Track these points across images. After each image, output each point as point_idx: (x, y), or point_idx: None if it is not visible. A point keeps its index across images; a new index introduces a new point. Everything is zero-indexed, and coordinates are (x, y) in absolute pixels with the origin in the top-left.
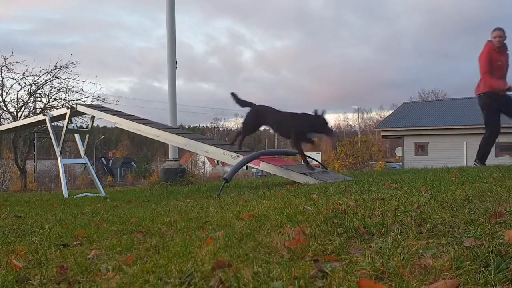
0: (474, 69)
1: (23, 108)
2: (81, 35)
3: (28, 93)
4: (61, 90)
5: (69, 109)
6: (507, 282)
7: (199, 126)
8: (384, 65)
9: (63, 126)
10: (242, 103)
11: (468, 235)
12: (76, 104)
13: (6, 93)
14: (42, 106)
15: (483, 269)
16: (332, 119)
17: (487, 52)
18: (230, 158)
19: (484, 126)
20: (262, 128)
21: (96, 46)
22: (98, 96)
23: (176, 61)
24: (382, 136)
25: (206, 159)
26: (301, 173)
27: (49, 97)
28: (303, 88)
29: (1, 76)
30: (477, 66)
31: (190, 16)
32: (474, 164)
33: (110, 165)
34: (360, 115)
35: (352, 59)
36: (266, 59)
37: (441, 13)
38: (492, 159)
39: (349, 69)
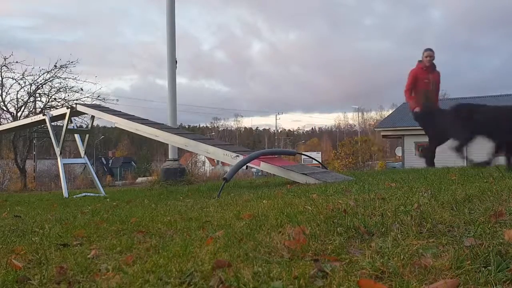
0: (501, 63)
1: (23, 108)
2: (83, 30)
3: (27, 93)
4: (61, 90)
5: (69, 109)
6: (507, 282)
7: (199, 126)
8: (405, 60)
9: (63, 126)
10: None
11: (468, 235)
12: (76, 104)
13: (6, 93)
14: (42, 106)
15: (483, 268)
16: (333, 118)
17: (415, 71)
18: (230, 158)
19: None
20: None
21: (97, 42)
22: (98, 96)
23: (176, 61)
24: (382, 136)
25: (206, 159)
26: (301, 173)
27: (49, 97)
28: (312, 85)
29: (1, 76)
30: (505, 59)
31: (199, 5)
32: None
33: (110, 165)
34: (360, 114)
35: (371, 53)
36: (278, 53)
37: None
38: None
39: (367, 64)
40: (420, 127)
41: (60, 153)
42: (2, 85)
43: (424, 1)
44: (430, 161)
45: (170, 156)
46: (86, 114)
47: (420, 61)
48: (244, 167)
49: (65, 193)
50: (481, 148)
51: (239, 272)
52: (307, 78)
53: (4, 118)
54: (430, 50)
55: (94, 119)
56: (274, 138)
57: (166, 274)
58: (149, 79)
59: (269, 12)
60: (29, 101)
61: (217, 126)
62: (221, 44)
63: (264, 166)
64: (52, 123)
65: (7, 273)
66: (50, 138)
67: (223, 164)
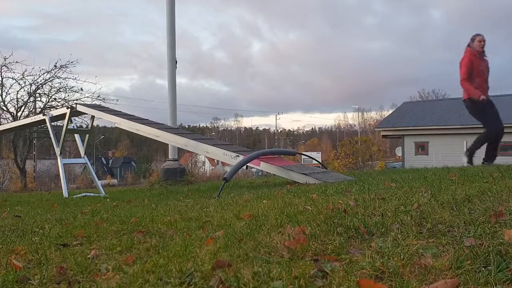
0: (501, 63)
1: (23, 108)
2: (83, 30)
3: (27, 93)
4: (61, 90)
5: (69, 109)
6: (507, 282)
7: (199, 126)
8: (405, 60)
9: (63, 126)
10: None
11: (468, 235)
12: (76, 104)
13: (6, 93)
14: (42, 106)
15: (483, 268)
16: (333, 118)
17: (469, 57)
18: (230, 158)
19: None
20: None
21: (97, 42)
22: (98, 96)
23: (176, 61)
24: (382, 135)
25: (206, 159)
26: (301, 173)
27: (49, 97)
28: (312, 85)
29: (1, 76)
30: (506, 59)
31: (199, 5)
32: (465, 154)
33: (110, 165)
34: (360, 114)
35: (371, 53)
36: (278, 53)
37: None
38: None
39: (367, 64)
40: (421, 127)
41: (60, 153)
42: (2, 85)
43: (424, 1)
44: (471, 159)
45: (170, 156)
46: (86, 114)
47: (469, 46)
48: (244, 167)
49: (65, 193)
50: None
51: (239, 272)
52: (307, 78)
53: (4, 118)
54: (482, 35)
55: (94, 119)
56: (274, 138)
57: (166, 274)
58: (149, 79)
59: (269, 12)
60: (29, 101)
61: (217, 126)
62: (221, 44)
63: (264, 166)
64: (52, 123)
65: (7, 273)
66: (50, 138)
67: (223, 164)
